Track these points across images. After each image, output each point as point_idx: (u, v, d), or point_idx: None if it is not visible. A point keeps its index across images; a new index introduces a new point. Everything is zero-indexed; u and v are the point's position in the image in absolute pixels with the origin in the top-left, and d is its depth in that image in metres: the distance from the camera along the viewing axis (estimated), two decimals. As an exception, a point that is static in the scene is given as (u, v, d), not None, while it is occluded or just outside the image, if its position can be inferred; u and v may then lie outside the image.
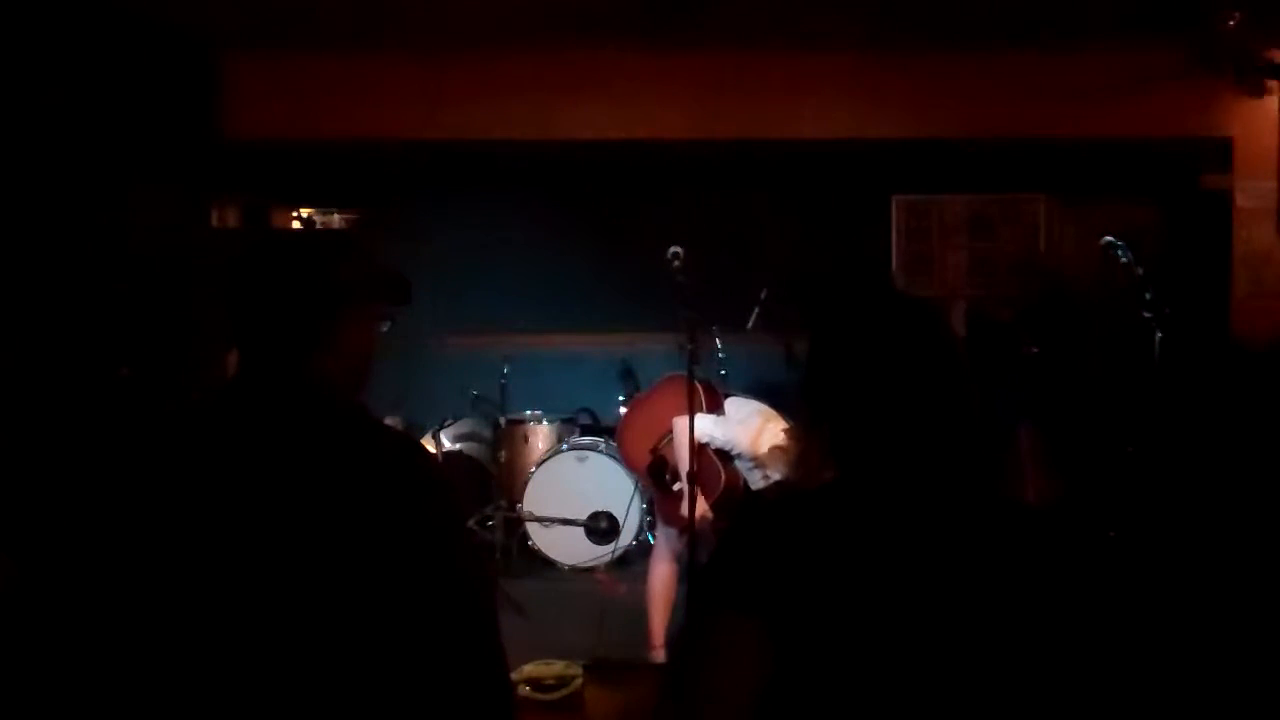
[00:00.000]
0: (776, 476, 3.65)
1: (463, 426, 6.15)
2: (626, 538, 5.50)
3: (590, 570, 5.51)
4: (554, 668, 3.80)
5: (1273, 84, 5.59)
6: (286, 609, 1.36)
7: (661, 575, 3.88)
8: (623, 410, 4.11)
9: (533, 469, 5.65)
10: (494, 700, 1.43)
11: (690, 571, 3.46)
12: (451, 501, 1.53)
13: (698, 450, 3.55)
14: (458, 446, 6.01)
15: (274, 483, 1.39)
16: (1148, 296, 4.52)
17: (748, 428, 3.70)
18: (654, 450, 3.89)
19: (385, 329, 1.61)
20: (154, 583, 1.38)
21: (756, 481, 3.71)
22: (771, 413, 3.77)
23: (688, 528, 3.65)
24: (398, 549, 1.37)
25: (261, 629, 1.35)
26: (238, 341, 1.50)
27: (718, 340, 5.14)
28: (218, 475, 1.40)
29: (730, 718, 1.25)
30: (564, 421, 5.91)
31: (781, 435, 3.62)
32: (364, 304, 1.54)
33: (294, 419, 1.44)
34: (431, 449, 5.86)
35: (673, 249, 3.70)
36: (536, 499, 5.59)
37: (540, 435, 5.91)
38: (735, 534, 1.38)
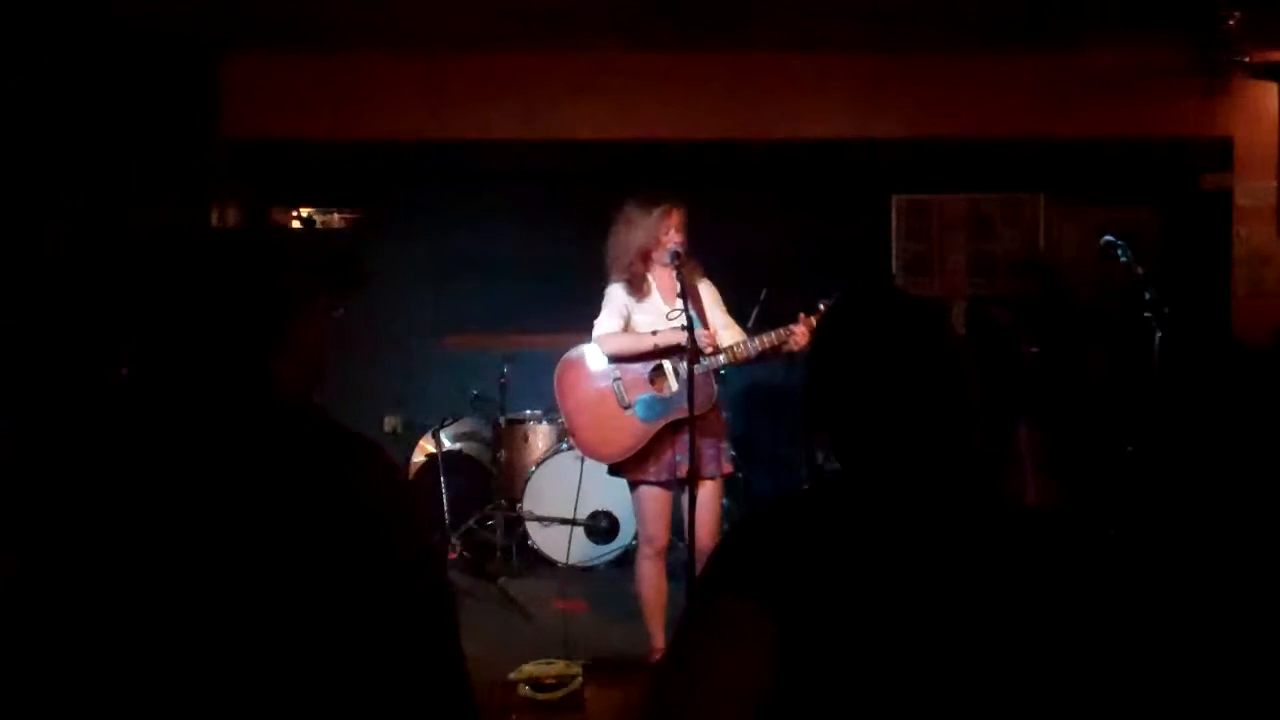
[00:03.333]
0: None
1: (462, 426, 6.15)
2: (626, 537, 5.51)
3: (590, 570, 5.51)
4: (554, 668, 3.81)
5: (1272, 84, 5.59)
6: (240, 620, 1.33)
7: (648, 575, 3.85)
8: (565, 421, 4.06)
9: (533, 469, 5.65)
10: (452, 707, 1.40)
11: (689, 569, 3.46)
12: (411, 508, 1.49)
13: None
14: (458, 446, 6.01)
15: (237, 494, 1.36)
16: (1148, 296, 4.52)
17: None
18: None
19: (338, 315, 1.56)
20: (106, 590, 1.36)
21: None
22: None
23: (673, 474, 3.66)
24: (354, 557, 1.35)
25: (213, 637, 1.33)
26: (180, 350, 1.45)
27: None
28: (180, 490, 1.37)
29: (727, 704, 1.23)
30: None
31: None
32: (314, 298, 1.50)
33: (254, 430, 1.41)
34: (431, 449, 5.86)
35: (672, 249, 3.69)
36: (536, 499, 5.59)
37: (540, 435, 5.91)
38: (746, 523, 1.38)
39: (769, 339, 3.68)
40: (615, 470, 3.90)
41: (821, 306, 3.66)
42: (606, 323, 3.83)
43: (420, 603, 1.40)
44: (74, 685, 1.36)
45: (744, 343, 3.72)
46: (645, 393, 3.80)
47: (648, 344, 3.76)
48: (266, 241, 1.55)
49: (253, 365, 1.44)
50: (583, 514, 5.47)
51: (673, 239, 3.71)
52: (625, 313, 3.85)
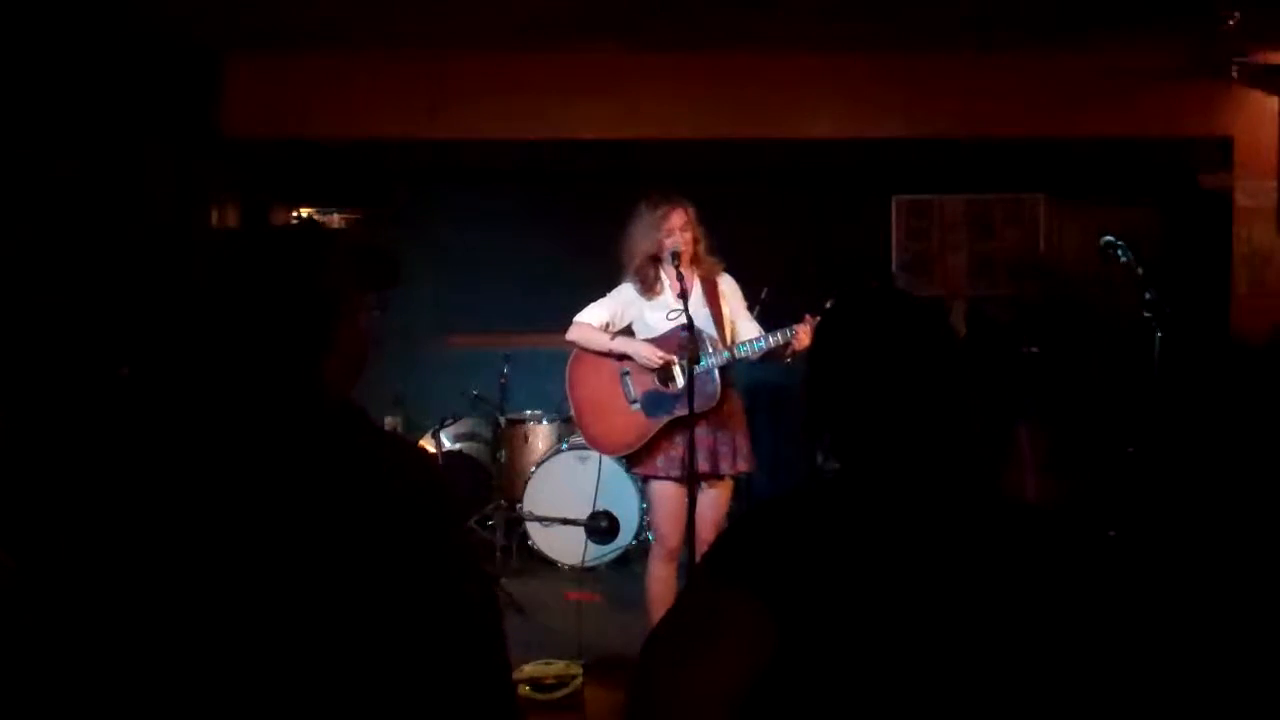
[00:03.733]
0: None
1: (463, 426, 6.15)
2: (626, 537, 5.51)
3: (591, 570, 5.51)
4: (554, 668, 3.81)
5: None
6: (287, 619, 1.33)
7: (658, 576, 3.84)
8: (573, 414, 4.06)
9: (533, 469, 5.65)
10: (496, 709, 1.40)
11: (690, 570, 3.46)
12: (455, 513, 1.50)
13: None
14: (458, 446, 6.02)
15: (286, 495, 1.36)
16: (1148, 296, 4.52)
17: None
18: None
19: (379, 316, 1.55)
20: (153, 589, 1.35)
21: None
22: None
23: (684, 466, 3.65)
24: (403, 561, 1.35)
25: (259, 638, 1.33)
26: (225, 348, 1.44)
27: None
28: (231, 489, 1.36)
29: (711, 693, 1.23)
30: (564, 421, 5.91)
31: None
32: (359, 296, 1.50)
33: (305, 431, 1.40)
34: (431, 449, 5.86)
35: (672, 249, 3.69)
36: (536, 499, 5.59)
37: (540, 435, 5.91)
38: (745, 518, 1.38)
39: (774, 339, 3.68)
40: (632, 466, 3.93)
41: (828, 306, 3.65)
42: (590, 312, 3.88)
43: (469, 605, 1.40)
44: (114, 686, 1.35)
45: (749, 342, 3.72)
46: (651, 388, 3.80)
47: (604, 346, 3.81)
48: (320, 240, 1.54)
49: (303, 365, 1.44)
50: (583, 514, 5.47)
51: (676, 239, 3.71)
52: (619, 309, 3.86)
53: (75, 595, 1.39)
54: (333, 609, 1.33)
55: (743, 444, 3.79)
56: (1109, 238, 4.66)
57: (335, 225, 6.84)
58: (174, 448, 1.43)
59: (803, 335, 3.60)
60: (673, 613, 1.32)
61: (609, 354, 3.83)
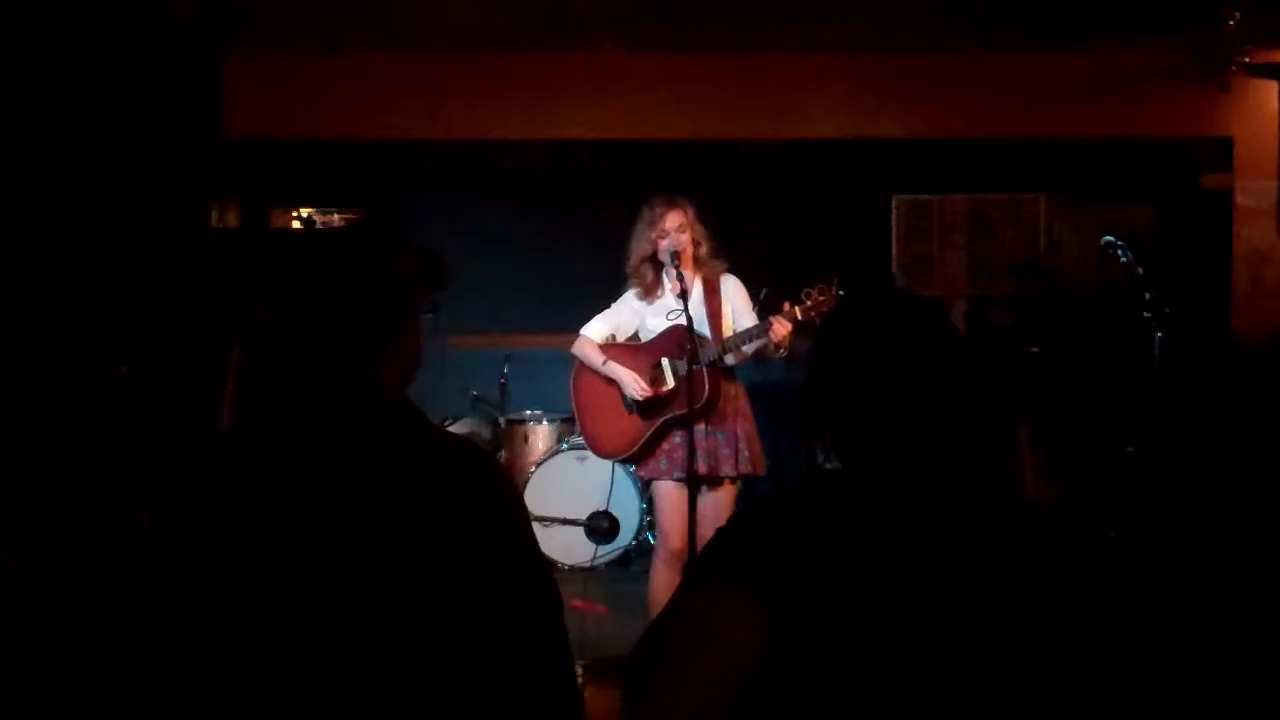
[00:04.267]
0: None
1: (463, 426, 6.14)
2: (626, 537, 5.51)
3: (591, 570, 5.51)
4: (554, 668, 3.80)
5: (1272, 84, 5.60)
6: (360, 625, 1.33)
7: (662, 580, 3.82)
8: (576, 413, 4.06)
9: (533, 469, 5.65)
10: (563, 706, 1.40)
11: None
12: (524, 514, 1.49)
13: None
14: (458, 446, 6.01)
15: (360, 503, 1.36)
16: (1148, 296, 4.52)
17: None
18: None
19: (429, 317, 1.55)
20: (226, 587, 1.35)
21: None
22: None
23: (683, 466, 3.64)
24: (474, 565, 1.35)
25: (331, 643, 1.33)
26: (288, 351, 1.44)
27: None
28: (300, 497, 1.36)
29: (708, 685, 1.23)
30: (564, 421, 5.90)
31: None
32: (416, 300, 1.50)
33: (373, 438, 1.40)
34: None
35: (671, 249, 3.68)
36: (536, 499, 5.58)
37: (540, 435, 5.91)
38: (746, 514, 1.38)
39: (751, 332, 3.66)
40: (637, 469, 3.93)
41: (805, 296, 3.63)
42: (593, 326, 3.88)
43: (537, 608, 1.40)
44: (196, 685, 1.36)
45: (731, 337, 3.70)
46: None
47: (598, 367, 3.82)
48: (386, 240, 1.53)
49: (369, 364, 1.44)
50: (583, 514, 5.47)
51: (671, 240, 3.70)
52: (622, 319, 3.86)
53: (158, 591, 1.39)
54: (401, 605, 1.34)
55: (747, 447, 3.72)
56: (1109, 238, 4.66)
57: (335, 225, 6.84)
58: (247, 448, 1.43)
59: (777, 328, 3.57)
60: (669, 607, 1.32)
61: (602, 375, 3.84)
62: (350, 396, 1.43)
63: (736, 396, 3.78)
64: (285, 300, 1.45)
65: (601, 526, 5.52)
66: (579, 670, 3.79)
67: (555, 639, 1.40)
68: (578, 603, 4.88)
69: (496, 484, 1.44)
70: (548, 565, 1.48)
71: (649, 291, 3.81)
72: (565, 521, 5.52)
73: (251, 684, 1.34)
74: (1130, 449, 4.83)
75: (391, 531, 1.35)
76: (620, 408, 3.82)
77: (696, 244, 3.74)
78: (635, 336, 3.91)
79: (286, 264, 1.46)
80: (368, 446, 1.40)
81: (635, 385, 3.72)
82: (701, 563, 1.32)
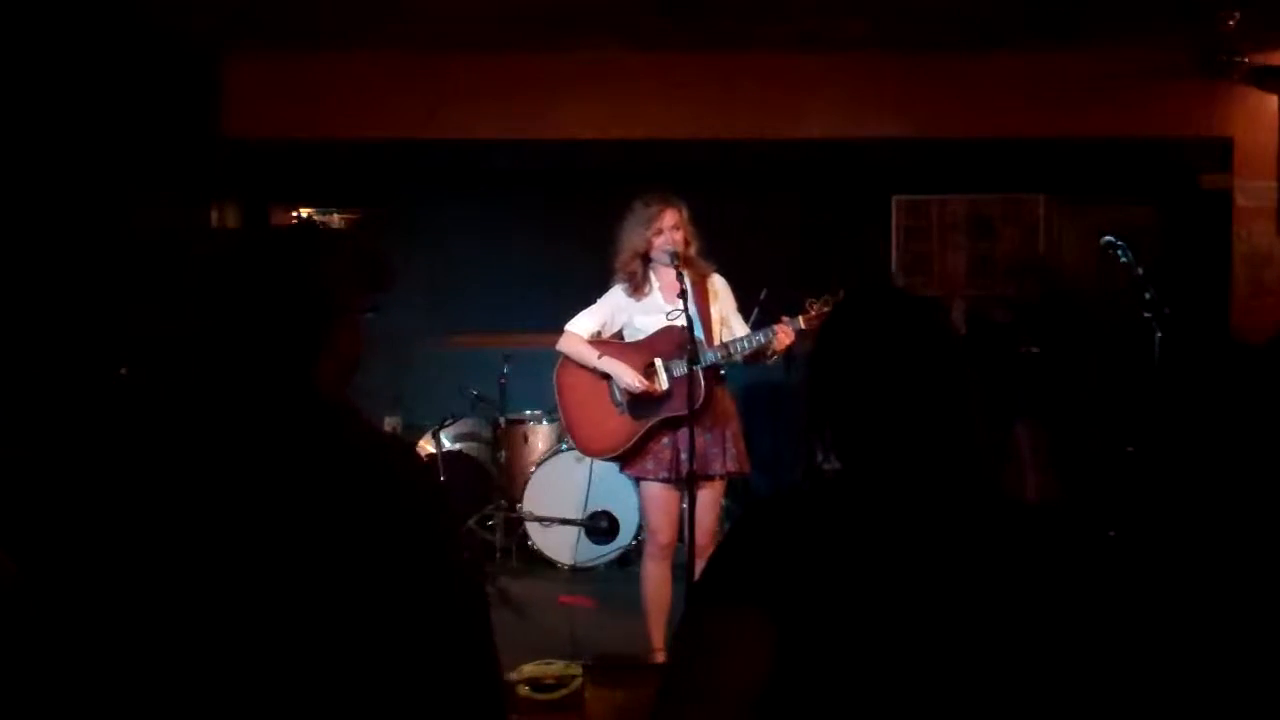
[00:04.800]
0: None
1: (463, 426, 6.15)
2: (626, 537, 5.51)
3: (591, 570, 5.52)
4: (554, 668, 3.80)
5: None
6: (278, 615, 1.34)
7: (652, 575, 3.83)
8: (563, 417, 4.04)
9: (533, 469, 5.65)
10: (486, 707, 1.40)
11: (688, 570, 3.45)
12: (445, 515, 1.49)
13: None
14: (458, 446, 6.01)
15: (279, 493, 1.37)
16: (1148, 296, 4.52)
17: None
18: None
19: (372, 318, 1.56)
20: (148, 588, 1.36)
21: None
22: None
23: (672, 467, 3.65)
24: (383, 567, 1.35)
25: (252, 635, 1.34)
26: (222, 347, 1.46)
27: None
28: (225, 488, 1.37)
29: (728, 713, 1.24)
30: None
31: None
32: (354, 298, 1.52)
33: (299, 430, 1.41)
34: (431, 449, 5.86)
35: (670, 248, 3.68)
36: (536, 499, 5.59)
37: (540, 435, 5.91)
38: (743, 525, 1.38)
39: (756, 340, 3.66)
40: (623, 467, 3.91)
41: (809, 306, 3.64)
42: (579, 322, 3.86)
43: (459, 601, 1.40)
44: (112, 684, 1.36)
45: (735, 341, 3.70)
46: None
47: (590, 363, 3.80)
48: (316, 242, 1.56)
49: (298, 365, 1.45)
50: (583, 514, 5.47)
51: (669, 238, 3.69)
52: (608, 315, 3.85)
53: (73, 595, 1.40)
54: (323, 605, 1.34)
55: (734, 445, 3.75)
56: (1109, 238, 4.66)
57: (335, 225, 6.84)
58: (170, 448, 1.44)
59: (782, 336, 3.58)
60: (679, 642, 1.33)
61: (595, 370, 3.81)
62: (270, 395, 1.44)
63: (724, 397, 3.81)
64: (211, 299, 1.47)
65: (601, 526, 5.53)
66: (579, 670, 3.80)
67: (470, 641, 1.39)
68: (565, 598, 4.89)
69: (416, 481, 1.44)
70: (473, 566, 1.48)
71: (636, 288, 3.81)
72: (565, 521, 5.52)
73: (139, 685, 1.34)
74: (1130, 449, 4.83)
75: (291, 529, 1.35)
76: (609, 406, 3.81)
77: (687, 243, 3.74)
78: (619, 334, 3.91)
79: (213, 264, 1.49)
80: (279, 444, 1.40)
81: (633, 378, 3.71)
82: (702, 590, 1.32)
